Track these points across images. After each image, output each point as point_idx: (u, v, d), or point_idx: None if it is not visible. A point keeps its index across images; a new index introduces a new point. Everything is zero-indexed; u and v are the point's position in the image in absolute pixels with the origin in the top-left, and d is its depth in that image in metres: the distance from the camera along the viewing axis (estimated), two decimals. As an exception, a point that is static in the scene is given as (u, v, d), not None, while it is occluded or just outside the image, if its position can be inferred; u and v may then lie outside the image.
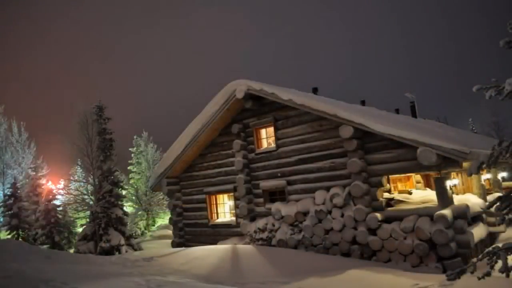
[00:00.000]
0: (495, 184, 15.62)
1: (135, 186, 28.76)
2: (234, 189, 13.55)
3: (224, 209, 14.73)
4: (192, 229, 15.20)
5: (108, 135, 17.85)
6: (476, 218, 10.57)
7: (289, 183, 12.11)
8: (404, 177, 13.81)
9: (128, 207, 26.72)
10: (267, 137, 13.09)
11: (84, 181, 22.28)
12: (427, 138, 9.03)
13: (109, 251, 15.70)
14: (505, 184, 16.86)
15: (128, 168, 29.93)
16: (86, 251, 16.19)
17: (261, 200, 12.89)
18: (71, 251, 19.26)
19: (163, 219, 28.78)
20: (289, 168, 12.10)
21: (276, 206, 11.88)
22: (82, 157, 17.49)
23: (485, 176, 14.66)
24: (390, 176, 10.71)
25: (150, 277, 7.44)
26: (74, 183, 27.78)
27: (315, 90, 15.66)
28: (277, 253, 10.53)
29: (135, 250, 16.62)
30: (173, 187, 15.39)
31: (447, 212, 8.84)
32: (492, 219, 11.35)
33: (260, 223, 12.26)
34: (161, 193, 22.10)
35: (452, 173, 10.66)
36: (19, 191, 22.52)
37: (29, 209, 22.53)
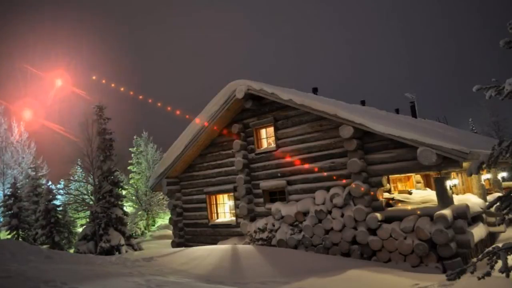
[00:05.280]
0: (495, 184, 15.63)
1: (135, 186, 28.78)
2: (234, 189, 13.55)
3: (224, 209, 14.73)
4: (192, 229, 15.20)
5: (108, 135, 17.87)
6: (476, 218, 10.56)
7: (289, 183, 12.11)
8: (404, 177, 13.80)
9: (128, 207, 26.73)
10: (267, 137, 13.09)
11: (84, 181, 22.31)
12: (427, 138, 9.04)
13: (109, 251, 15.70)
14: (505, 184, 16.86)
15: (128, 168, 29.94)
16: (86, 251, 16.20)
17: (261, 200, 12.89)
18: (71, 251, 19.26)
19: (163, 219, 28.80)
20: (289, 168, 12.11)
21: (276, 206, 11.89)
22: (82, 157, 17.50)
23: (485, 176, 14.66)
24: (390, 176, 10.70)
25: (150, 277, 7.43)
26: (74, 183, 27.83)
27: (315, 90, 15.67)
28: (277, 253, 10.52)
29: (135, 250, 16.62)
30: (173, 187, 15.39)
31: (447, 212, 8.84)
32: (492, 219, 11.35)
33: (260, 223, 12.26)
34: (161, 193, 22.12)
35: (452, 173, 10.65)
36: (19, 191, 22.53)
37: (29, 209, 22.54)
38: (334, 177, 10.95)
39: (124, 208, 19.15)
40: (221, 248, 11.08)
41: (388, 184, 10.73)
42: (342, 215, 10.40)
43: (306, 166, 11.65)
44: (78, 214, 23.33)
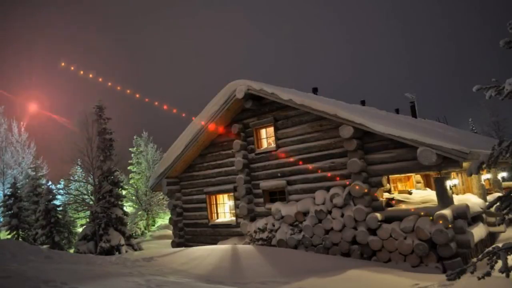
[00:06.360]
0: (495, 184, 15.63)
1: (135, 186, 28.78)
2: (234, 189, 13.55)
3: (224, 209, 14.73)
4: (192, 229, 15.20)
5: (108, 135, 17.87)
6: (476, 218, 10.56)
7: (289, 183, 12.11)
8: (404, 177, 13.81)
9: (128, 207, 26.73)
10: (267, 137, 13.09)
11: (84, 181, 22.31)
12: (427, 138, 9.04)
13: (109, 251, 15.71)
14: (505, 184, 16.87)
15: (128, 168, 29.95)
16: (86, 251, 16.20)
17: (261, 200, 12.89)
18: (71, 251, 19.26)
19: (163, 219, 28.80)
20: (289, 168, 12.11)
21: (276, 206, 11.89)
22: (82, 157, 17.51)
23: (485, 176, 14.66)
24: (390, 176, 10.71)
25: (150, 277, 7.44)
26: (74, 183, 27.83)
27: (315, 90, 15.67)
28: (277, 253, 10.52)
29: (135, 250, 16.63)
30: (173, 187, 15.39)
31: (447, 212, 8.84)
32: (492, 219, 11.35)
33: (260, 223, 12.26)
34: (161, 193, 22.11)
35: (452, 173, 10.65)
36: (19, 191, 22.53)
37: (29, 209, 22.54)
38: (338, 178, 10.94)
39: (124, 208, 19.16)
40: (221, 248, 11.09)
41: (388, 184, 10.74)
42: (342, 215, 10.40)
43: (306, 166, 11.65)
44: (78, 214, 23.32)
